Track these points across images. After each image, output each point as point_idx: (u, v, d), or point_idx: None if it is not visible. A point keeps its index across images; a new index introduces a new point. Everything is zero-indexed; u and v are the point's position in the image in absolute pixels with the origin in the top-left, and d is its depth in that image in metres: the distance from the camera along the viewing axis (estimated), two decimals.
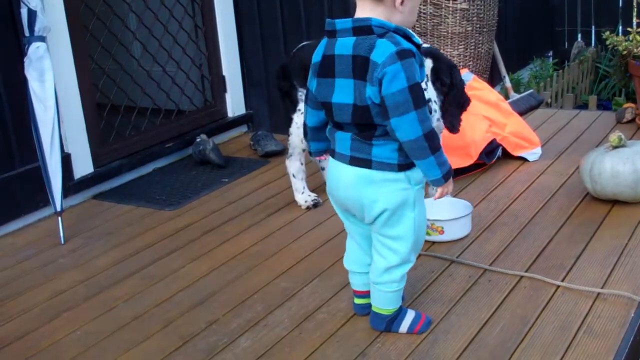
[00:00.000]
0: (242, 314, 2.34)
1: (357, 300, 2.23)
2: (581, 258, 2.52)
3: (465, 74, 3.68)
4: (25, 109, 2.99)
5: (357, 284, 2.21)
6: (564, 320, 2.14)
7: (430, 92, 2.78)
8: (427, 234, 2.56)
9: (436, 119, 2.81)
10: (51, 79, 2.98)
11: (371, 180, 1.95)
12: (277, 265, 2.67)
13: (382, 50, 1.84)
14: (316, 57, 2.00)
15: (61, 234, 3.03)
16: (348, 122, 1.94)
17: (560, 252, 2.58)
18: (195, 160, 3.95)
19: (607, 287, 2.31)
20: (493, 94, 3.79)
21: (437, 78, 2.74)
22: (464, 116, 2.87)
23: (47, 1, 3.13)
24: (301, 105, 3.00)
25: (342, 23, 1.90)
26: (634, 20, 4.49)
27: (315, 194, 3.23)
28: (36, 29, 2.94)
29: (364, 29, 1.87)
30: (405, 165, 1.95)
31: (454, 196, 3.06)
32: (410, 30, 1.93)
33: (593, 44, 6.77)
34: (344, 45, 1.90)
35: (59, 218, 3.04)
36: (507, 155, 3.55)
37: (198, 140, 3.98)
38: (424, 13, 4.57)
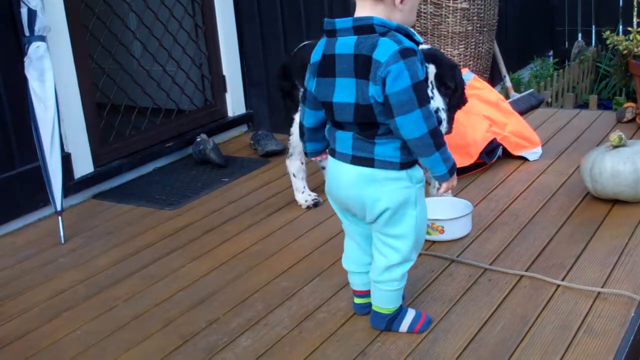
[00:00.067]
0: (243, 313, 2.34)
1: (357, 300, 2.23)
2: (581, 257, 2.52)
3: (466, 73, 3.68)
4: (25, 109, 2.99)
5: (357, 284, 2.21)
6: (564, 319, 2.14)
7: (438, 101, 2.68)
8: (428, 233, 2.56)
9: (444, 128, 2.70)
10: (51, 78, 2.98)
11: (373, 179, 1.95)
12: (277, 264, 2.67)
13: (385, 49, 1.84)
14: (315, 56, 2.00)
15: (61, 234, 3.03)
16: (350, 121, 1.94)
17: (561, 252, 2.58)
18: (195, 160, 3.95)
19: (607, 286, 2.30)
20: (493, 94, 3.78)
21: (441, 83, 2.69)
22: (465, 116, 2.86)
23: (47, 1, 3.13)
24: None
25: (342, 22, 1.90)
26: (635, 20, 4.49)
27: (315, 194, 3.23)
28: (36, 28, 2.94)
29: (366, 28, 1.87)
30: (407, 163, 1.95)
31: (455, 195, 3.06)
32: (411, 29, 1.93)
33: (593, 44, 6.77)
34: (345, 45, 1.90)
35: (59, 218, 3.04)
36: (507, 155, 3.55)
37: (198, 139, 3.98)
38: (425, 12, 4.57)
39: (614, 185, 2.84)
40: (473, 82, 3.72)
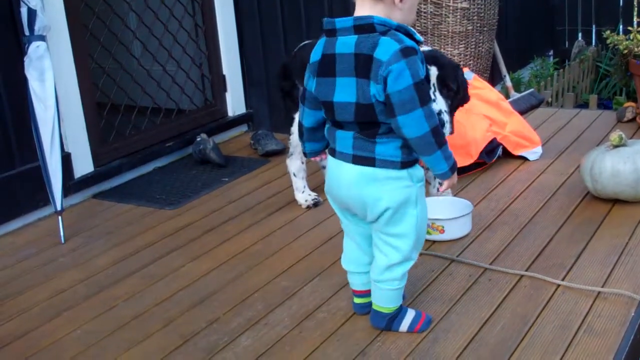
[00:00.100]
0: (243, 313, 2.34)
1: (357, 300, 2.23)
2: (581, 257, 2.52)
3: (466, 73, 3.68)
4: (25, 109, 2.99)
5: (356, 284, 2.21)
6: (564, 319, 2.14)
7: (440, 104, 2.66)
8: (428, 233, 2.56)
9: (447, 130, 2.68)
10: (51, 78, 2.98)
11: (374, 178, 1.95)
12: (278, 264, 2.67)
13: (386, 48, 1.84)
14: (315, 56, 1.99)
15: (61, 233, 3.03)
16: (350, 120, 1.94)
17: (561, 251, 2.58)
18: (195, 160, 3.95)
19: (607, 286, 2.30)
20: (494, 93, 3.78)
21: (443, 85, 2.66)
22: (465, 115, 2.86)
23: (47, 0, 3.13)
24: None
25: (342, 22, 1.90)
26: (635, 19, 4.49)
27: (315, 193, 3.23)
28: (36, 28, 2.94)
29: (366, 27, 1.87)
30: (407, 162, 1.96)
31: (455, 195, 3.06)
32: (411, 28, 1.93)
33: (594, 43, 6.77)
34: (346, 44, 1.90)
35: (59, 217, 3.04)
36: (507, 155, 3.55)
37: (198, 139, 3.98)
38: (425, 12, 4.57)
39: (614, 185, 2.84)
40: (473, 81, 3.72)
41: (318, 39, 2.02)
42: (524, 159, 3.55)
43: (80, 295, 2.57)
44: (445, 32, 4.58)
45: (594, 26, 6.83)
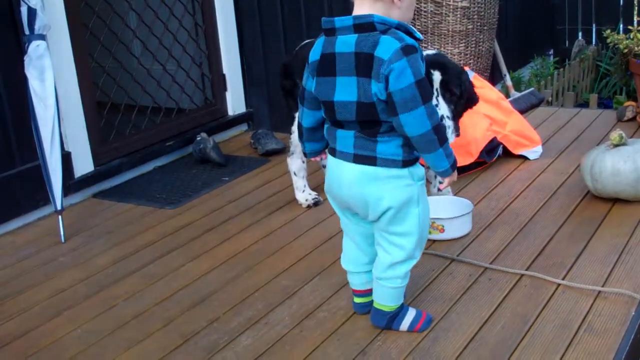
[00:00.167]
0: (243, 313, 2.34)
1: (357, 300, 2.23)
2: (582, 256, 2.52)
3: (467, 72, 3.68)
4: (25, 108, 2.99)
5: (356, 284, 2.21)
6: (564, 318, 2.14)
7: (443, 109, 2.63)
8: (428, 232, 2.56)
9: (450, 134, 2.67)
10: (51, 77, 2.97)
11: (376, 177, 1.95)
12: (278, 263, 2.67)
13: (387, 47, 1.84)
14: (314, 56, 1.99)
15: (61, 233, 3.03)
16: (351, 119, 1.94)
17: (561, 251, 2.57)
18: (195, 159, 3.95)
19: (607, 285, 2.30)
20: (494, 92, 3.78)
21: (446, 90, 2.64)
22: (465, 114, 2.84)
23: None
24: None
25: (341, 21, 1.90)
26: (635, 18, 4.50)
27: (315, 193, 3.23)
28: (36, 27, 2.94)
29: (366, 26, 1.87)
30: (409, 161, 1.96)
31: (455, 194, 3.06)
32: (411, 26, 1.93)
33: (594, 42, 6.77)
34: (346, 43, 1.90)
35: (59, 217, 3.04)
36: (507, 154, 3.55)
37: (198, 138, 3.98)
38: (425, 11, 4.57)
39: (615, 184, 2.84)
40: (473, 80, 3.72)
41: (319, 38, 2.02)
42: (524, 158, 3.55)
43: (81, 294, 2.57)
44: (446, 31, 4.58)
45: (594, 25, 6.84)
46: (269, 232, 2.97)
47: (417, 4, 4.56)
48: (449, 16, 4.53)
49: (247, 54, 4.43)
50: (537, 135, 3.66)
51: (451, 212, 2.74)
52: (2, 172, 3.16)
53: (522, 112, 4.18)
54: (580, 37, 6.87)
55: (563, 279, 2.36)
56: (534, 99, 4.57)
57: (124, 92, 3.97)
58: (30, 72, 2.94)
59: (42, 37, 2.97)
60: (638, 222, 2.74)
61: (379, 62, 1.84)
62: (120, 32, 3.95)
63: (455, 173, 2.02)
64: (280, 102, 3.24)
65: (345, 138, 1.98)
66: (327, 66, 1.94)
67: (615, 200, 2.92)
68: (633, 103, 4.13)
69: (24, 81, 2.96)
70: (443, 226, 2.70)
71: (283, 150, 3.83)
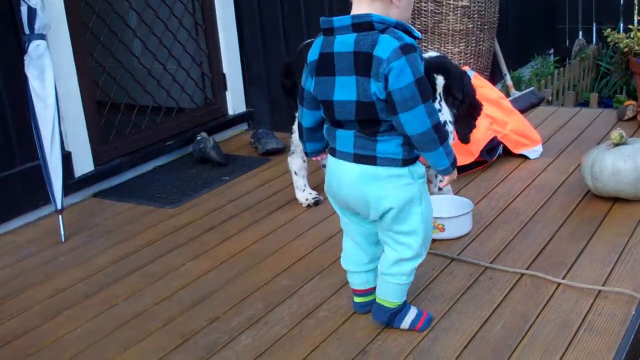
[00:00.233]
0: (243, 312, 2.34)
1: (357, 299, 2.23)
2: (582, 256, 2.52)
3: (467, 71, 3.67)
4: (25, 107, 2.99)
5: (356, 283, 2.21)
6: (564, 317, 2.14)
7: (445, 114, 2.58)
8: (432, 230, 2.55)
9: (451, 140, 2.62)
10: (51, 77, 2.97)
11: (376, 177, 1.95)
12: (278, 263, 2.67)
13: (386, 46, 1.84)
14: (312, 55, 1.99)
15: (62, 232, 3.03)
16: (351, 119, 1.94)
17: (561, 250, 2.57)
18: (195, 158, 3.95)
19: (608, 284, 2.30)
20: (494, 92, 3.78)
21: (449, 94, 2.59)
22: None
23: None
24: None
25: (340, 20, 1.90)
26: (635, 18, 4.49)
27: (316, 192, 3.23)
28: (36, 26, 2.94)
29: (365, 25, 1.87)
30: (409, 160, 1.96)
31: (455, 194, 3.06)
32: (410, 25, 1.93)
33: (594, 42, 6.77)
34: (344, 43, 1.90)
35: (60, 216, 3.04)
36: (508, 153, 3.55)
37: (198, 138, 3.98)
38: (425, 10, 4.56)
39: (615, 183, 2.83)
40: (474, 80, 3.71)
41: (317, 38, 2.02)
42: (524, 157, 3.55)
43: (81, 294, 2.57)
44: (446, 31, 4.58)
45: (594, 24, 6.84)
46: (269, 231, 2.97)
47: (417, 3, 4.57)
48: (449, 15, 4.53)
49: (247, 53, 4.43)
50: (537, 135, 3.66)
51: (451, 211, 2.74)
52: (2, 172, 3.16)
53: (523, 111, 4.18)
54: (580, 36, 6.87)
55: (563, 278, 2.36)
56: (534, 98, 4.57)
57: (124, 92, 3.97)
58: (31, 72, 2.94)
59: (42, 36, 2.97)
60: (638, 222, 2.74)
61: (378, 61, 1.84)
62: (120, 32, 3.95)
63: (455, 171, 2.02)
64: (280, 101, 3.24)
65: (345, 138, 1.98)
66: (326, 66, 1.94)
67: (615, 200, 2.92)
68: (633, 102, 4.13)
69: (24, 81, 2.96)
70: (443, 225, 2.69)
71: (283, 150, 3.82)
